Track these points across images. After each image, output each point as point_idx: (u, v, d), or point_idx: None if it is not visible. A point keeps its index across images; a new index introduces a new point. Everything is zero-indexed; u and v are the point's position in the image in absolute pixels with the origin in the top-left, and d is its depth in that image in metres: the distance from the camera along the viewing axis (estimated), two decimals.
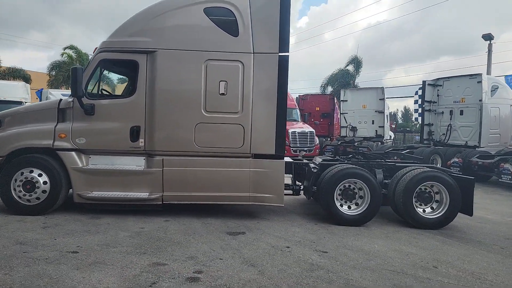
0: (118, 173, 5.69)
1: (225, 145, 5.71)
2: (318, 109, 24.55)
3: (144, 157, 5.75)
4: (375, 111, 20.29)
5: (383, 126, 20.21)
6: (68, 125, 5.65)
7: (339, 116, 22.57)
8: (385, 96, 20.63)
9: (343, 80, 33.37)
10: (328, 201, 5.76)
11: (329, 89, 33.94)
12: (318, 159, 6.69)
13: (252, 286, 3.36)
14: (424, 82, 15.58)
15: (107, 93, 6.45)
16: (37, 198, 5.56)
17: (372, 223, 5.89)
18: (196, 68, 5.59)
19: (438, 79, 15.30)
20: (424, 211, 5.84)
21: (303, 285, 3.43)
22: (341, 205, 5.86)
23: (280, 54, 5.66)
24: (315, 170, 6.05)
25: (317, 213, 6.33)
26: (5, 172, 5.53)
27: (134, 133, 5.63)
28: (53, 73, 28.24)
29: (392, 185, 5.99)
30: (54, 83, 27.26)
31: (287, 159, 6.74)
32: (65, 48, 27.91)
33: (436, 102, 15.04)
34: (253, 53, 5.65)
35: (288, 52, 5.71)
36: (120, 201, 5.68)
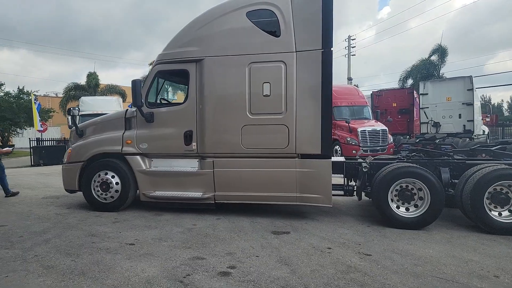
0: (175, 174, 6.20)
1: (270, 146, 5.78)
2: (395, 105, 22.96)
3: (197, 159, 6.15)
4: (462, 103, 18.23)
5: (472, 120, 18.03)
6: (133, 132, 6.36)
7: (419, 112, 20.74)
8: (475, 86, 18.39)
9: (425, 71, 30.59)
10: (380, 203, 5.41)
11: (409, 82, 31.38)
12: (371, 158, 6.31)
13: (279, 283, 3.37)
14: None
15: (166, 102, 7.05)
16: (111, 197, 6.38)
17: (435, 226, 5.36)
18: (240, 72, 5.79)
19: None
20: (500, 214, 5.09)
21: (333, 287, 3.31)
22: (398, 207, 5.44)
23: (323, 50, 5.54)
24: (365, 170, 5.74)
25: (373, 215, 6.00)
26: (87, 174, 6.47)
27: (188, 137, 6.06)
28: None
29: (460, 185, 5.35)
30: None
31: (339, 158, 6.52)
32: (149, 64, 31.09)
33: None
34: (296, 51, 5.63)
35: (331, 47, 5.55)
36: (178, 200, 6.18)
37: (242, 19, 5.84)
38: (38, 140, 21.03)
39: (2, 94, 29.61)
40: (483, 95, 60.41)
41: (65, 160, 6.83)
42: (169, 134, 6.19)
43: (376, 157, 6.60)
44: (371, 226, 5.45)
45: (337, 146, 16.58)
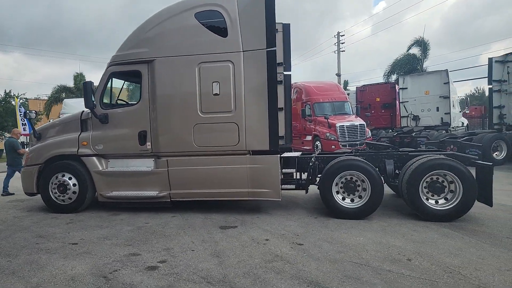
0: (131, 174, 6.32)
1: (222, 143, 5.93)
2: (379, 99, 23.24)
3: (153, 159, 6.27)
4: (440, 97, 18.51)
5: (449, 113, 18.30)
6: (89, 134, 6.46)
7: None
8: (451, 80, 18.70)
9: (409, 65, 30.88)
10: (325, 194, 5.60)
11: (394, 77, 31.64)
12: (318, 155, 6.50)
13: (201, 274, 3.52)
14: (490, 59, 13.78)
15: (125, 102, 7.16)
16: (69, 198, 6.48)
17: (379, 215, 5.56)
18: (191, 72, 5.92)
19: (507, 54, 13.40)
20: (437, 202, 5.29)
21: (250, 275, 3.47)
22: (344, 198, 5.63)
23: (267, 49, 5.69)
24: (310, 164, 5.91)
25: (324, 208, 6.15)
26: (44, 177, 6.55)
27: (142, 137, 6.18)
28: None
29: (401, 176, 5.57)
30: None
31: (292, 154, 6.69)
32: None
33: (507, 81, 13.19)
34: (243, 51, 5.78)
35: (275, 46, 5.71)
36: (134, 199, 6.30)
37: (190, 20, 5.97)
38: (23, 144, 21.00)
39: None
40: (477, 87, 60.84)
41: (23, 163, 6.91)
42: (124, 135, 6.31)
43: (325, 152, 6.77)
44: (318, 218, 5.62)
45: (318, 142, 16.81)
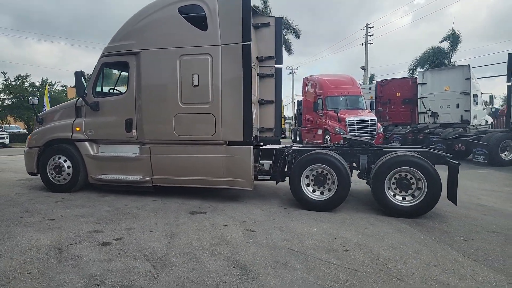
0: (119, 159, 6.74)
1: (200, 133, 6.18)
2: (399, 94, 22.58)
3: (138, 146, 6.65)
4: (460, 93, 17.82)
5: (469, 110, 17.57)
6: (82, 120, 6.94)
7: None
8: (473, 75, 17.92)
9: (435, 59, 29.66)
10: (294, 186, 5.73)
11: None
12: (295, 147, 6.61)
13: (144, 252, 3.81)
14: (510, 55, 13.08)
15: (117, 92, 7.57)
16: (64, 179, 7.03)
17: (347, 209, 5.64)
18: (172, 64, 6.19)
19: None
20: (404, 198, 5.29)
21: (189, 255, 3.71)
22: (314, 191, 5.74)
23: (243, 43, 5.84)
24: (282, 156, 6.05)
25: None
26: (43, 158, 7.13)
27: (128, 125, 6.56)
28: None
29: (371, 171, 5.59)
30: None
31: (271, 146, 6.84)
32: None
33: None
34: (221, 45, 5.97)
35: (250, 40, 5.84)
36: (120, 182, 6.74)
37: (174, 14, 6.22)
38: None
39: (27, 85, 31.98)
40: None
41: (26, 145, 7.54)
42: (112, 122, 6.72)
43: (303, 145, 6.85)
44: (287, 208, 5.77)
45: (328, 136, 16.74)
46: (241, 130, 5.95)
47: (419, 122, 19.50)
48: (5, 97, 31.76)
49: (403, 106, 22.13)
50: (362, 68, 38.11)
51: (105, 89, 7.23)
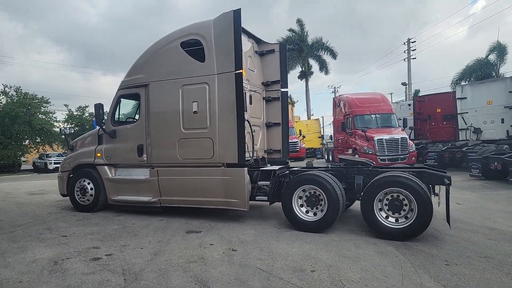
0: (132, 181, 7.35)
1: (200, 156, 6.59)
2: (440, 110, 21.53)
3: (149, 169, 7.22)
4: (504, 107, 16.63)
5: None
6: (102, 147, 7.71)
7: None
8: None
9: (481, 72, 27.97)
10: (286, 206, 5.83)
11: None
12: (295, 168, 6.72)
13: (125, 267, 4.16)
14: None
15: (132, 119, 8.31)
16: (88, 200, 7.78)
17: (340, 231, 5.61)
18: (175, 93, 6.76)
19: None
20: (397, 220, 5.15)
21: (161, 271, 3.99)
22: (307, 212, 5.80)
23: (235, 72, 6.23)
24: (272, 177, 6.19)
25: None
26: (72, 181, 7.99)
27: (140, 150, 7.18)
28: None
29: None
30: None
31: (271, 167, 7.01)
32: None
33: None
34: (216, 74, 6.42)
35: (241, 69, 6.22)
36: (133, 203, 7.32)
37: (177, 48, 6.83)
38: None
39: (87, 114, 36.22)
40: None
41: (59, 170, 8.48)
42: (127, 148, 7.39)
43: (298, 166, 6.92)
44: (281, 229, 5.86)
45: (356, 155, 16.38)
46: (236, 153, 6.24)
47: (460, 139, 18.36)
48: (68, 126, 35.57)
49: (444, 123, 20.99)
50: (403, 84, 36.89)
51: (122, 118, 8.00)
